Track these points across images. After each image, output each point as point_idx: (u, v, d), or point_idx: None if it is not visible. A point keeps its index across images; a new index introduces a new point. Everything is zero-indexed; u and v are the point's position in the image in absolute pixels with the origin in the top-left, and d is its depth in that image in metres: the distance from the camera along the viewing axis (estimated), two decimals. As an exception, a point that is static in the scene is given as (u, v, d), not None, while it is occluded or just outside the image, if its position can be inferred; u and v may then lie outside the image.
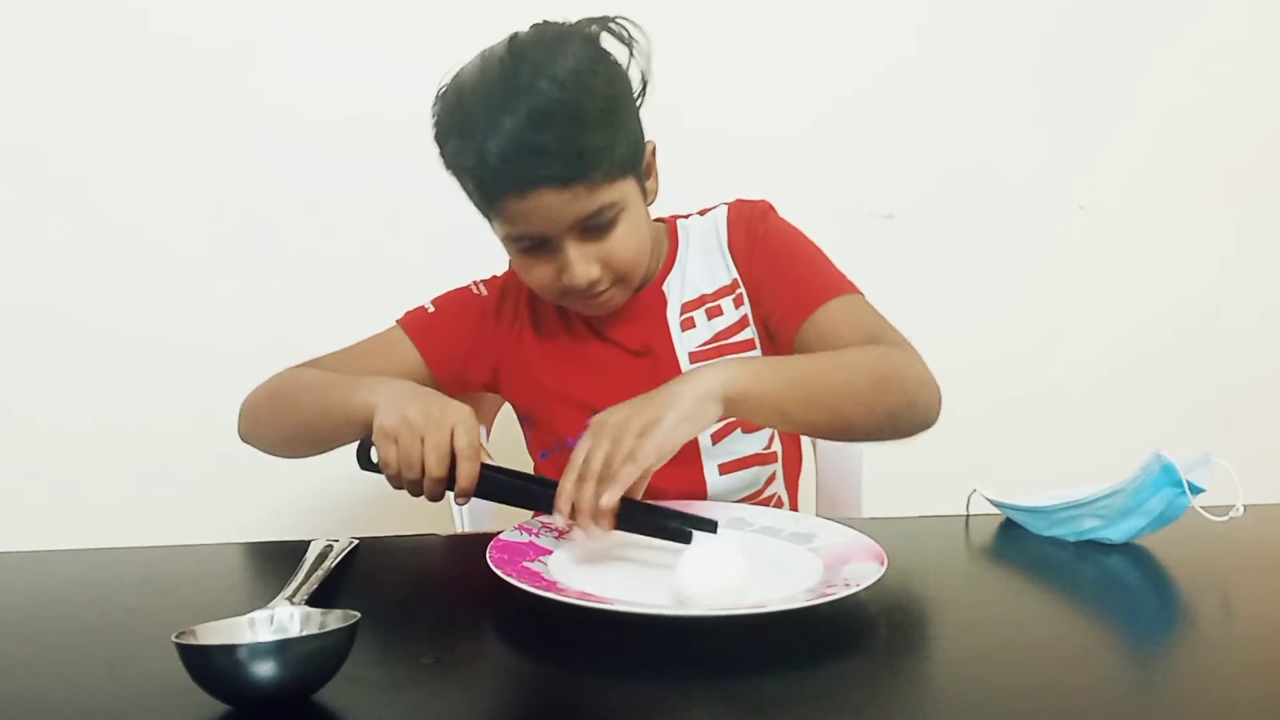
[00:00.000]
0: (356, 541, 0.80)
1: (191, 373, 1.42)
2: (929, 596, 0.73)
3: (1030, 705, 0.53)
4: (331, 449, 0.91)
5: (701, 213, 1.05)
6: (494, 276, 1.05)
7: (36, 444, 1.39)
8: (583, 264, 0.88)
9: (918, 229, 1.62)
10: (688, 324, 0.99)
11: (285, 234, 1.42)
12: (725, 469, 0.97)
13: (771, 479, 1.01)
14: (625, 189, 0.89)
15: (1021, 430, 1.66)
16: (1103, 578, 0.78)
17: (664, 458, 0.73)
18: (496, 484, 0.77)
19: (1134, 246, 1.70)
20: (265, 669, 0.49)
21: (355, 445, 0.83)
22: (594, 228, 0.88)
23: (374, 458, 0.80)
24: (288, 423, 0.94)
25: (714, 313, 0.99)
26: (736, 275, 1.00)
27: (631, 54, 0.90)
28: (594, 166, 0.85)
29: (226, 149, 1.40)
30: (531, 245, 0.89)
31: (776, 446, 1.02)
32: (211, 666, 0.50)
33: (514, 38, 0.86)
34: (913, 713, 0.52)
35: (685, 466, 0.97)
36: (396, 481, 0.78)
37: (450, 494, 0.77)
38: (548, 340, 1.01)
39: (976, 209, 1.64)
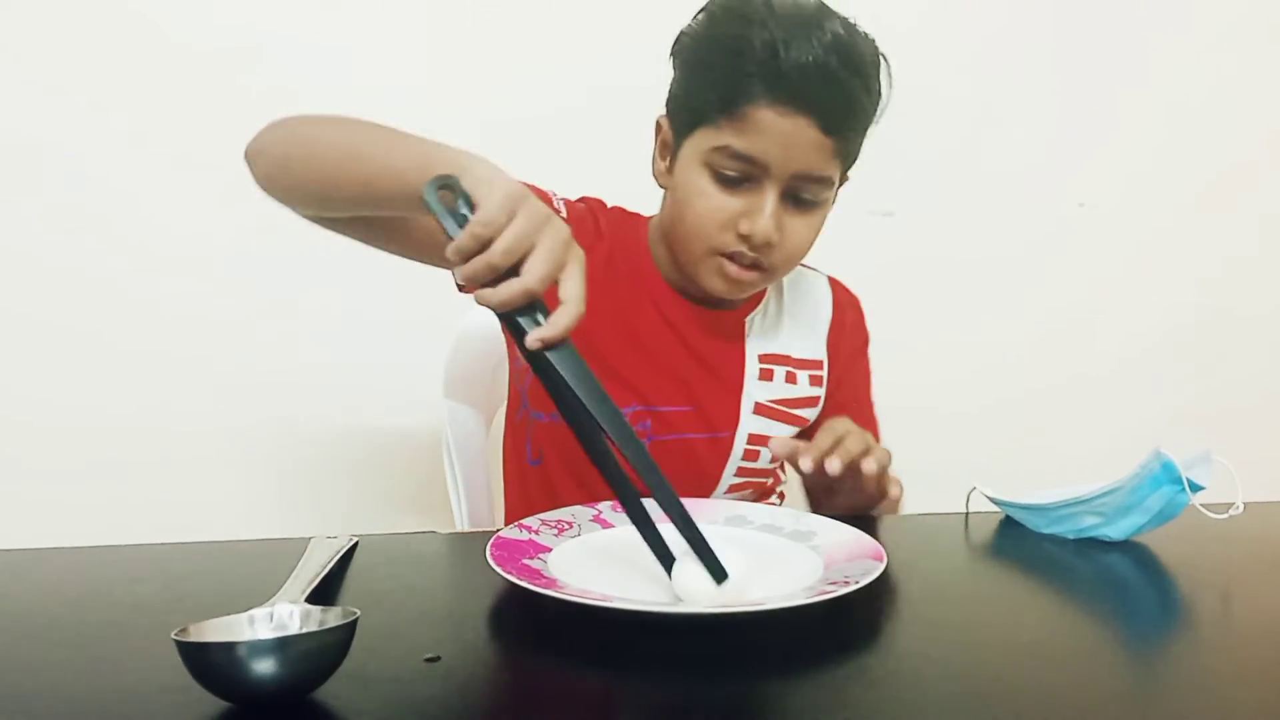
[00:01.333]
0: (356, 539, 0.80)
1: (191, 372, 1.42)
2: (928, 594, 0.73)
3: (1029, 703, 0.53)
4: (374, 210, 0.78)
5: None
6: (581, 205, 0.98)
7: (34, 442, 1.39)
8: (773, 219, 0.86)
9: (918, 227, 1.62)
10: (766, 375, 0.99)
11: (286, 236, 1.42)
12: (731, 491, 1.00)
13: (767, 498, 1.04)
14: (836, 183, 0.90)
15: (1021, 428, 1.66)
16: (1102, 575, 0.78)
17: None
18: (576, 368, 0.62)
19: (1133, 244, 1.71)
20: (265, 666, 0.48)
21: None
22: (798, 199, 0.87)
23: (441, 204, 0.63)
24: (334, 159, 0.77)
25: (791, 378, 1.00)
26: (825, 360, 1.02)
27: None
28: (850, 131, 0.86)
29: (226, 151, 1.40)
30: (736, 174, 0.86)
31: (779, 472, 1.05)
32: (211, 664, 0.50)
33: None
34: (912, 710, 0.52)
35: (700, 493, 0.98)
36: (472, 249, 0.62)
37: (525, 333, 0.62)
38: (612, 306, 0.95)
39: (976, 206, 1.65)
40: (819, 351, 1.02)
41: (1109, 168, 1.69)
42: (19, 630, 0.64)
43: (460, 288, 0.95)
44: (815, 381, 1.01)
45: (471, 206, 0.64)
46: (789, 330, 1.01)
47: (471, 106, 1.45)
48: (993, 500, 0.93)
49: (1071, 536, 0.86)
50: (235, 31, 1.39)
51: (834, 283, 1.07)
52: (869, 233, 1.60)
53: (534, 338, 0.61)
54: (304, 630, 0.55)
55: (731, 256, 0.89)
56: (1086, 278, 1.70)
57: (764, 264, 0.89)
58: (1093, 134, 1.68)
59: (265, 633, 0.54)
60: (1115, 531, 0.83)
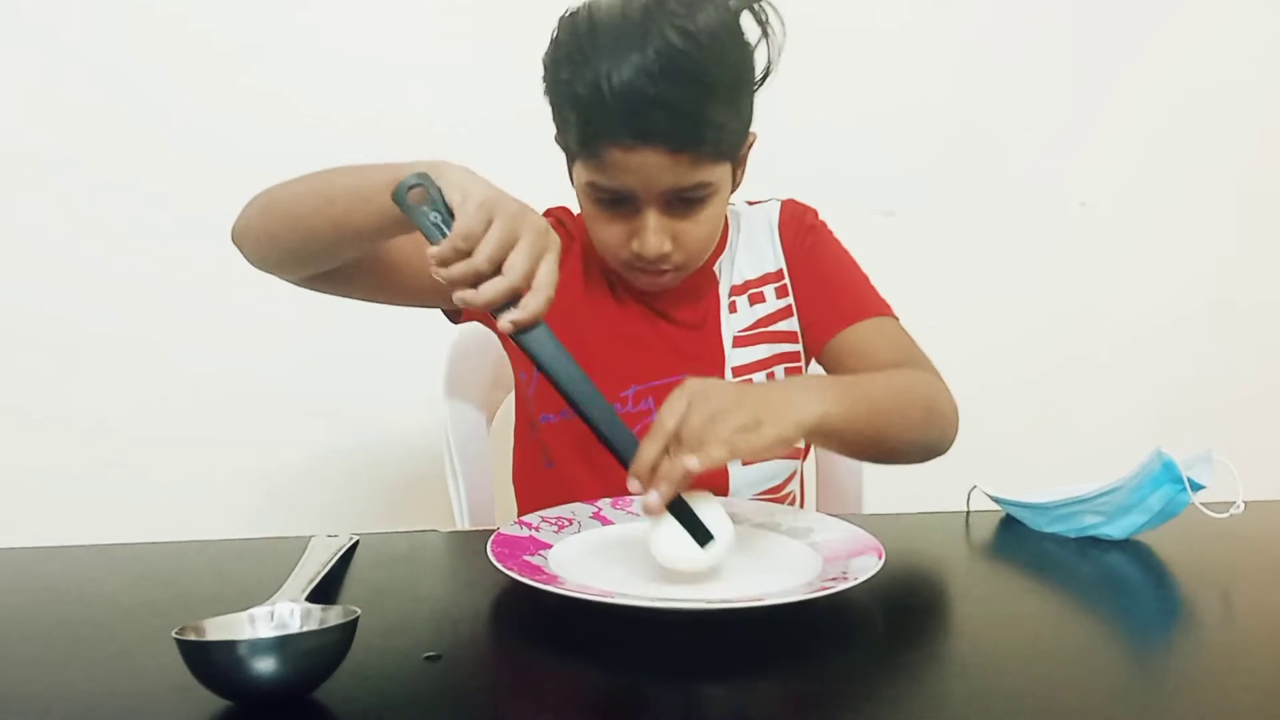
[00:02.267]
0: (356, 538, 0.80)
1: (193, 370, 1.42)
2: (928, 592, 0.73)
3: (1029, 702, 0.53)
4: (359, 247, 0.81)
5: (750, 203, 1.06)
6: (549, 218, 1.00)
7: (36, 441, 1.39)
8: (658, 236, 0.86)
9: (919, 226, 1.62)
10: (731, 307, 0.99)
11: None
12: (748, 460, 0.96)
13: (792, 476, 1.01)
14: (722, 173, 0.88)
15: (1022, 425, 1.66)
16: (1103, 574, 0.78)
17: (744, 458, 0.69)
18: (551, 344, 0.66)
19: (1134, 242, 1.70)
20: (265, 665, 0.49)
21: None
22: (680, 203, 0.86)
23: (413, 203, 0.66)
24: (293, 220, 0.80)
25: (756, 299, 1.00)
26: (784, 265, 1.01)
27: (766, 37, 0.87)
28: (705, 141, 0.82)
29: (228, 150, 1.40)
30: (612, 201, 0.86)
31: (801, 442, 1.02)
32: (212, 662, 0.50)
33: None
34: (910, 708, 0.52)
35: None
36: (450, 253, 0.64)
37: (503, 316, 0.65)
38: (593, 302, 0.97)
39: (977, 206, 1.64)
40: (775, 262, 1.01)
41: (1110, 166, 1.68)
42: (20, 629, 0.64)
43: (451, 320, 0.99)
44: (782, 292, 1.00)
45: (445, 205, 0.66)
46: (744, 258, 1.01)
47: (470, 102, 1.45)
48: (993, 499, 0.93)
49: (1072, 535, 0.86)
50: (235, 31, 1.39)
51: (785, 200, 1.06)
52: (870, 232, 1.60)
53: (506, 320, 0.64)
54: (304, 629, 0.55)
55: (641, 268, 0.90)
56: (1087, 276, 1.70)
57: (670, 266, 0.90)
58: (1092, 131, 1.67)
59: (266, 631, 0.54)
60: (1116, 530, 0.83)
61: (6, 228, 1.37)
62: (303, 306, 1.42)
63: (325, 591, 0.66)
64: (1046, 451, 1.55)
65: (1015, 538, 0.87)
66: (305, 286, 0.90)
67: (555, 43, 0.85)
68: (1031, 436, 1.64)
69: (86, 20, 1.35)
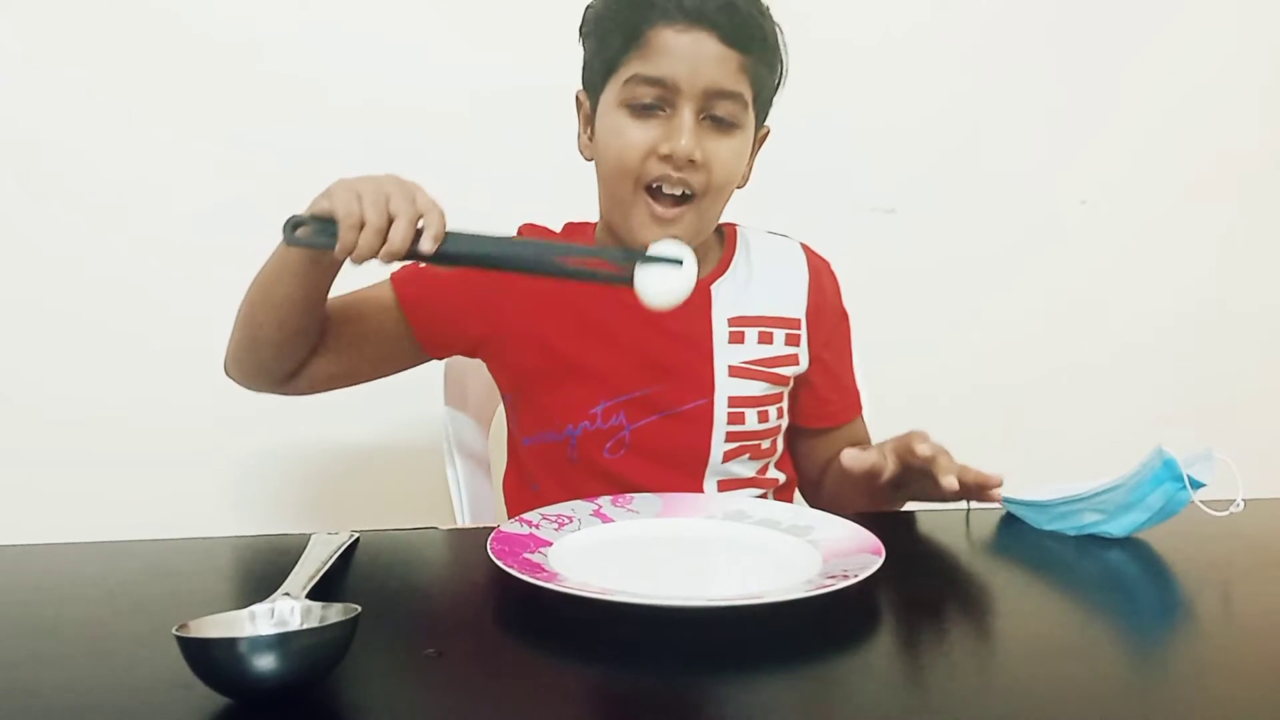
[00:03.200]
0: (357, 535, 0.80)
1: (194, 366, 1.41)
2: (929, 589, 0.73)
3: (1029, 700, 0.53)
4: (308, 312, 0.89)
5: (764, 232, 1.07)
6: (519, 230, 1.03)
7: (37, 437, 1.39)
8: (691, 136, 0.88)
9: (919, 224, 1.62)
10: (737, 337, 0.98)
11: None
12: (723, 486, 0.98)
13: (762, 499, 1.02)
14: (750, 117, 0.93)
15: (1022, 422, 1.66)
16: (1103, 572, 0.78)
17: None
18: (470, 240, 0.75)
19: (1135, 241, 1.70)
20: (266, 662, 0.49)
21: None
22: (714, 118, 0.89)
23: (303, 238, 0.76)
24: (246, 322, 0.92)
25: (765, 338, 0.99)
26: (804, 319, 1.02)
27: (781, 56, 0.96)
28: (755, 48, 0.89)
29: (230, 146, 1.40)
30: (650, 101, 0.88)
31: (774, 474, 1.03)
32: (212, 660, 0.50)
33: None
34: (911, 705, 0.52)
35: (688, 478, 0.97)
36: (351, 236, 0.73)
37: (411, 258, 0.74)
38: (568, 309, 0.97)
39: (978, 204, 1.64)
40: (796, 310, 1.02)
41: (1110, 164, 1.68)
42: (21, 625, 0.64)
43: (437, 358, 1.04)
44: (792, 340, 1.01)
45: (322, 219, 0.75)
46: (760, 291, 1.01)
47: (470, 100, 1.45)
48: (994, 496, 0.93)
49: (1072, 533, 0.86)
50: (233, 28, 1.39)
51: (805, 247, 1.06)
52: (871, 229, 1.60)
53: (425, 247, 0.73)
54: (305, 626, 0.55)
55: (657, 195, 0.90)
56: (1088, 274, 1.70)
57: (691, 188, 0.90)
58: (1094, 132, 1.67)
59: (266, 629, 0.54)
60: (1116, 528, 0.83)
61: (5, 224, 1.37)
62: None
63: (326, 589, 0.65)
64: (1046, 450, 1.54)
65: (1015, 536, 0.87)
66: (291, 392, 0.98)
67: None
68: (1031, 435, 1.64)
69: (89, 14, 1.35)
